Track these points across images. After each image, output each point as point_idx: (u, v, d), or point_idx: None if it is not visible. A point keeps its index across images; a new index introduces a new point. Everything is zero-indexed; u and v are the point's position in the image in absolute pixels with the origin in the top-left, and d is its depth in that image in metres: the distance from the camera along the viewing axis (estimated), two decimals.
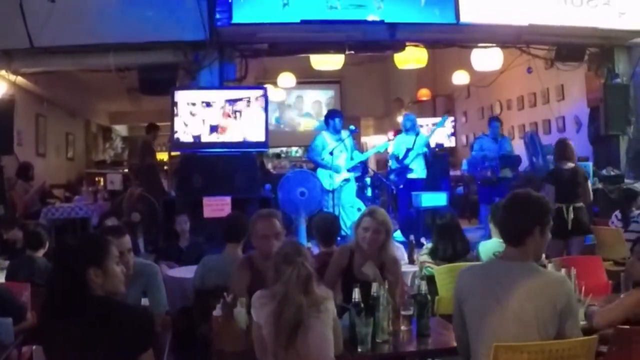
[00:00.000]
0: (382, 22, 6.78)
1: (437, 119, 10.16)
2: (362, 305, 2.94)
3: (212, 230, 5.76)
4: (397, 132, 9.71)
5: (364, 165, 8.44)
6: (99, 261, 2.28)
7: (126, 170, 11.72)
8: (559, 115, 9.60)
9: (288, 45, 7.62)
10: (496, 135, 8.83)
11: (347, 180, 7.88)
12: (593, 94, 8.23)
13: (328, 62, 8.49)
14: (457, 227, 4.67)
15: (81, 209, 7.88)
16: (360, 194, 8.41)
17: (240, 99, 6.89)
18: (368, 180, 8.91)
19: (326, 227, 4.43)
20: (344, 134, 7.93)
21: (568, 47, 7.78)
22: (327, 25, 6.81)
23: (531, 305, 2.44)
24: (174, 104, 6.80)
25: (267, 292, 2.73)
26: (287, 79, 11.62)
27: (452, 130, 13.05)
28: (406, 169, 8.23)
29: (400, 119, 9.94)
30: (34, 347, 3.24)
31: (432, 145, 8.82)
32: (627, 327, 2.77)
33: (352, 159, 7.94)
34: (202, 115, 6.83)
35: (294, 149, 15.07)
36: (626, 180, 7.70)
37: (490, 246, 4.36)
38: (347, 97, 14.44)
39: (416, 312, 3.11)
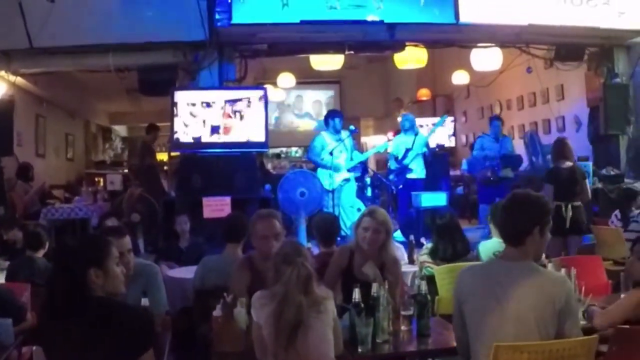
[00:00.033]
0: (381, 22, 6.78)
1: (437, 119, 10.16)
2: (362, 305, 2.94)
3: (212, 230, 5.76)
4: (397, 132, 9.71)
5: (363, 165, 8.44)
6: (99, 262, 2.28)
7: (126, 170, 11.74)
8: (559, 115, 9.60)
9: (288, 45, 7.62)
10: (497, 135, 8.80)
11: (347, 180, 7.88)
12: (593, 93, 8.24)
13: (328, 62, 8.50)
14: (457, 227, 4.67)
15: (81, 210, 7.88)
16: (360, 194, 8.41)
17: (240, 99, 6.89)
18: (368, 180, 8.91)
19: (326, 227, 4.43)
20: (344, 134, 7.93)
21: (567, 46, 7.78)
22: (327, 25, 6.81)
23: (531, 305, 2.45)
24: (174, 104, 6.80)
25: (267, 292, 2.73)
26: (286, 79, 11.62)
27: (453, 130, 13.04)
28: (405, 169, 8.23)
29: (400, 119, 9.94)
30: (34, 347, 3.23)
31: (433, 145, 8.82)
32: (627, 326, 2.77)
33: (351, 159, 7.94)
34: (203, 115, 6.83)
35: (294, 149, 15.07)
36: (626, 180, 7.71)
37: (490, 246, 4.36)
38: (347, 97, 14.45)
39: (416, 312, 3.11)
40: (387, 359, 3.02)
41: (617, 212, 6.41)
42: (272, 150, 13.08)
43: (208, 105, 6.83)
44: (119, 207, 7.45)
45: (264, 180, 8.69)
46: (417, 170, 8.28)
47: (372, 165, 10.86)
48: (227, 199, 6.56)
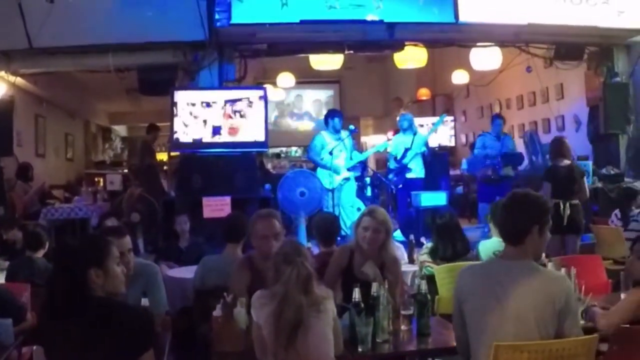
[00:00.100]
0: (381, 21, 6.79)
1: (437, 119, 10.15)
2: (362, 305, 2.94)
3: (212, 230, 5.76)
4: (397, 131, 9.70)
5: (363, 164, 8.45)
6: (99, 262, 2.28)
7: (126, 170, 11.73)
8: (559, 114, 9.60)
9: (287, 45, 7.62)
10: (499, 133, 8.78)
11: (347, 179, 7.88)
12: (592, 92, 8.24)
13: (327, 61, 8.49)
14: (457, 226, 4.67)
15: (81, 210, 7.88)
16: (360, 193, 8.41)
17: (240, 99, 6.89)
18: (368, 179, 8.91)
19: (326, 227, 4.43)
20: (344, 133, 7.93)
21: (567, 46, 7.78)
22: (326, 25, 6.81)
23: (531, 304, 2.45)
24: (174, 104, 6.80)
25: (267, 292, 2.73)
26: (286, 78, 11.61)
27: (453, 130, 13.04)
28: (405, 168, 8.23)
29: (398, 118, 9.94)
30: (34, 347, 3.24)
31: (434, 145, 8.81)
32: (627, 326, 2.77)
33: (351, 158, 7.94)
34: (203, 115, 6.83)
35: (294, 148, 15.06)
36: (626, 179, 7.71)
37: (490, 245, 4.35)
38: (347, 97, 14.44)
39: (416, 312, 3.12)
40: (387, 359, 3.02)
41: (617, 211, 6.42)
42: (272, 150, 13.06)
43: (208, 105, 6.83)
44: (119, 207, 7.45)
45: (264, 180, 8.69)
46: (417, 170, 8.28)
47: (371, 165, 10.85)
48: (227, 199, 6.56)
